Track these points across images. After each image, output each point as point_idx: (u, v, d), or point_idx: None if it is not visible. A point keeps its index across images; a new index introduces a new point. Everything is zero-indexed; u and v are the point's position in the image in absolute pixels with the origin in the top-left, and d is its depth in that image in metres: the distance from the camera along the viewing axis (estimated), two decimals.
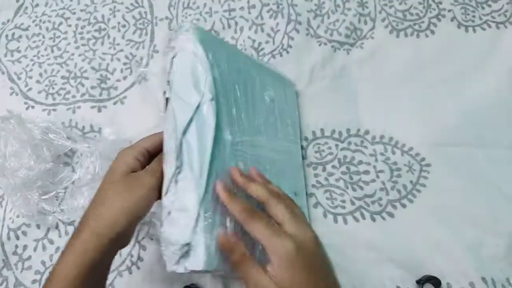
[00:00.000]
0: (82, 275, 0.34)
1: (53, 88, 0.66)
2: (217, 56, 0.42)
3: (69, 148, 0.58)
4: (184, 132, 0.38)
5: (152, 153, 0.41)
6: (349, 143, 0.57)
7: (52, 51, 0.69)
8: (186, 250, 0.35)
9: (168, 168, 0.38)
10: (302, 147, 0.56)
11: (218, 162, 0.38)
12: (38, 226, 0.56)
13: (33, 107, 0.64)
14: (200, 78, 0.40)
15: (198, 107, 0.39)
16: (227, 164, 0.40)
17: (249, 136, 0.44)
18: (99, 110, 0.63)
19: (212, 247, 0.36)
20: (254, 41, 0.65)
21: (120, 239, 0.37)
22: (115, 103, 0.63)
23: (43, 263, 0.54)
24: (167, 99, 0.40)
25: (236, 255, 0.35)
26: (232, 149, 0.41)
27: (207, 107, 0.39)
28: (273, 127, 0.50)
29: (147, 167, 0.40)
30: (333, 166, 0.56)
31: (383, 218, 0.52)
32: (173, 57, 0.41)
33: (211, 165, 0.38)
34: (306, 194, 0.54)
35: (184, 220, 0.36)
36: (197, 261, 0.35)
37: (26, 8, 0.73)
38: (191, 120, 0.38)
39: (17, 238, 0.56)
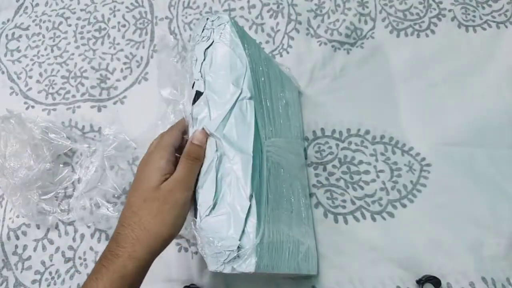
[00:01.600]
0: None
1: (53, 88, 0.66)
2: (250, 53, 0.41)
3: (69, 148, 0.58)
4: (224, 126, 0.36)
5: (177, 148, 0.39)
6: (350, 143, 0.57)
7: (52, 50, 0.69)
8: (235, 252, 0.33)
9: (205, 164, 0.36)
10: (304, 148, 0.56)
11: (257, 161, 0.37)
12: (38, 226, 0.56)
13: (33, 107, 0.64)
14: (239, 74, 0.38)
15: (235, 103, 0.37)
16: (263, 164, 0.38)
17: (274, 137, 0.43)
18: (99, 110, 0.63)
19: (261, 249, 0.34)
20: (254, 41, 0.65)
21: (154, 258, 0.36)
22: (115, 103, 0.63)
23: (43, 263, 0.54)
24: (197, 92, 0.38)
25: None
26: (264, 149, 0.40)
27: (246, 105, 0.37)
28: (288, 129, 0.49)
29: (176, 175, 0.37)
30: (334, 166, 0.55)
31: (384, 218, 0.52)
32: (207, 48, 0.39)
33: (254, 164, 0.36)
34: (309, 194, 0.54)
35: (231, 219, 0.34)
36: (249, 263, 0.34)
37: (26, 7, 0.73)
38: (229, 115, 0.36)
39: (17, 238, 0.56)
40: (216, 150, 0.36)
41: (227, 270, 0.34)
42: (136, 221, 0.35)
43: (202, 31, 0.40)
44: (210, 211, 0.35)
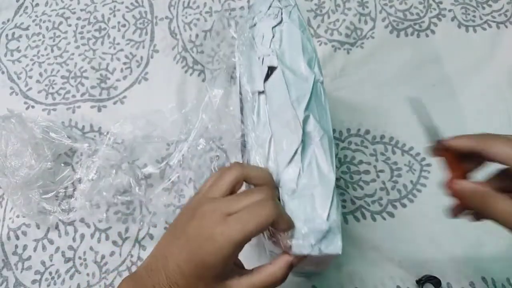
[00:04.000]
0: None
1: (53, 88, 0.66)
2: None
3: (70, 148, 0.58)
4: (307, 107, 0.35)
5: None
6: (350, 142, 0.57)
7: (52, 50, 0.69)
8: (324, 233, 0.32)
9: (285, 141, 0.34)
10: None
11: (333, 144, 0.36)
12: (38, 226, 0.56)
13: (33, 107, 0.64)
14: (310, 57, 0.37)
15: (313, 84, 0.36)
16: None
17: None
18: (99, 110, 0.63)
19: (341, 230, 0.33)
20: None
21: None
22: (115, 103, 0.63)
23: (43, 263, 0.54)
24: (270, 67, 0.37)
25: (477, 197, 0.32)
26: None
27: (320, 88, 0.37)
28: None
29: (255, 282, 0.33)
30: None
31: (384, 218, 0.52)
32: (276, 25, 0.38)
33: (333, 148, 0.35)
34: None
35: (316, 200, 0.33)
36: (335, 245, 0.33)
37: (26, 7, 0.73)
38: (310, 96, 0.35)
39: (17, 238, 0.56)
40: (302, 134, 0.34)
41: (315, 252, 0.32)
42: None
43: (268, 9, 0.40)
44: (292, 194, 0.34)
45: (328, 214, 0.33)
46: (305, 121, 0.35)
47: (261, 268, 0.33)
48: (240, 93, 0.39)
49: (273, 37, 0.38)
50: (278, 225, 0.32)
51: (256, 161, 0.36)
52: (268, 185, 0.34)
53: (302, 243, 0.32)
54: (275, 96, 0.36)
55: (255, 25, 0.40)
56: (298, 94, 0.36)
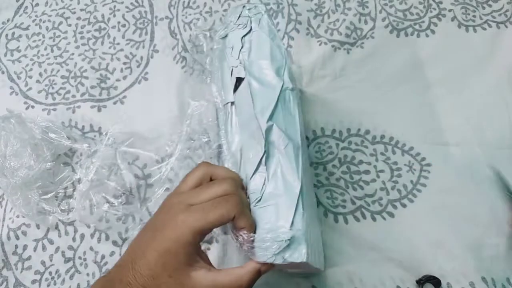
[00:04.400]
0: None
1: (53, 88, 0.65)
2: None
3: (69, 148, 0.58)
4: (270, 117, 0.35)
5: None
6: (350, 142, 0.57)
7: (52, 50, 0.69)
8: (287, 241, 0.33)
9: (252, 152, 0.35)
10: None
11: (303, 155, 0.37)
12: (38, 226, 0.56)
13: (33, 106, 0.64)
14: (280, 65, 0.37)
15: (280, 93, 0.36)
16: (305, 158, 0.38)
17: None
18: (99, 110, 0.63)
19: (308, 238, 0.34)
20: None
21: None
22: (115, 103, 0.63)
23: (43, 263, 0.54)
24: (238, 78, 0.37)
25: None
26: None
27: (289, 95, 0.37)
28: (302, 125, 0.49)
29: (222, 281, 0.33)
30: (334, 166, 0.55)
31: (384, 218, 0.52)
32: (244, 35, 0.38)
33: (300, 156, 0.35)
34: None
35: (280, 209, 0.33)
36: (300, 253, 0.33)
37: (26, 7, 0.73)
38: (276, 105, 0.36)
39: (17, 238, 0.56)
40: (264, 144, 0.35)
41: (278, 261, 0.33)
42: (153, 287, 0.32)
43: (238, 19, 0.40)
44: (257, 203, 0.34)
45: (292, 223, 0.33)
46: (269, 130, 0.35)
47: (229, 269, 0.34)
48: (216, 104, 0.41)
49: (241, 47, 0.38)
50: (239, 221, 0.32)
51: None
52: (234, 179, 0.35)
53: (265, 252, 0.33)
54: (243, 106, 0.37)
55: (226, 36, 0.40)
56: (263, 104, 0.36)
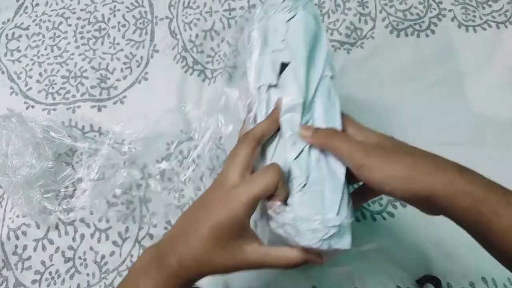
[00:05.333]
0: None
1: (53, 88, 0.65)
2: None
3: (70, 148, 0.58)
4: (314, 102, 0.36)
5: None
6: None
7: (52, 50, 0.69)
8: (336, 228, 0.33)
9: (296, 138, 0.36)
10: None
11: None
12: (38, 226, 0.56)
13: (33, 106, 0.64)
14: (321, 51, 0.38)
15: (320, 79, 0.37)
16: None
17: None
18: (99, 110, 0.63)
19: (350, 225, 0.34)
20: None
21: None
22: (115, 103, 0.63)
23: (43, 263, 0.54)
24: (283, 64, 0.37)
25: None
26: None
27: (330, 83, 0.37)
28: None
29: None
30: None
31: (384, 218, 0.52)
32: (289, 19, 0.38)
33: None
34: None
35: (326, 195, 0.34)
36: (345, 241, 0.34)
37: (26, 7, 0.73)
38: (317, 91, 0.36)
39: (17, 238, 0.56)
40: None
41: (324, 246, 0.33)
42: (205, 260, 0.34)
43: (283, 1, 0.40)
44: (303, 187, 0.34)
45: (339, 210, 0.33)
46: (313, 114, 0.36)
47: (279, 247, 0.35)
48: (249, 88, 0.40)
49: (287, 31, 0.38)
50: (281, 190, 0.33)
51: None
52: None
53: (313, 235, 0.33)
54: (286, 92, 0.37)
55: (268, 18, 0.40)
56: (307, 91, 0.36)
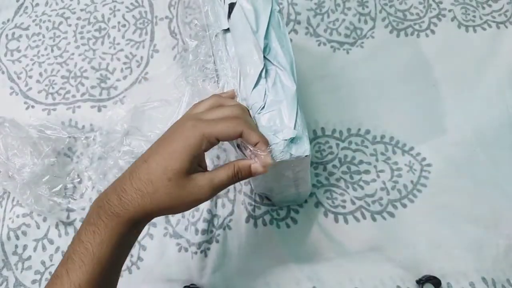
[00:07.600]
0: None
1: (53, 88, 0.66)
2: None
3: (67, 142, 0.59)
4: (266, 35, 0.39)
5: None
6: (350, 142, 0.57)
7: (52, 50, 0.69)
8: (291, 139, 0.36)
9: (251, 67, 0.38)
10: None
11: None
12: (38, 226, 0.56)
13: (33, 106, 0.64)
14: None
15: (270, 13, 0.40)
16: None
17: None
18: (99, 110, 0.63)
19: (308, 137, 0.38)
20: None
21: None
22: (115, 103, 0.63)
23: (43, 263, 0.54)
24: (230, 5, 0.40)
25: None
26: None
27: (278, 16, 0.41)
28: None
29: (217, 181, 0.35)
30: (334, 166, 0.55)
31: (384, 218, 0.52)
32: None
33: (294, 68, 0.39)
34: None
35: (282, 113, 0.37)
36: (304, 148, 0.37)
37: (26, 7, 0.73)
38: (269, 23, 0.39)
39: (17, 238, 0.56)
40: (264, 57, 0.38)
41: (286, 156, 0.36)
42: (150, 191, 0.33)
43: None
44: (260, 110, 0.37)
45: (295, 123, 0.37)
46: (266, 47, 0.39)
47: (223, 165, 0.36)
48: (210, 38, 0.44)
49: None
50: (250, 136, 0.34)
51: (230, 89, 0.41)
52: (242, 106, 0.38)
53: (273, 150, 0.36)
54: (238, 30, 0.40)
55: None
56: (258, 24, 0.39)
